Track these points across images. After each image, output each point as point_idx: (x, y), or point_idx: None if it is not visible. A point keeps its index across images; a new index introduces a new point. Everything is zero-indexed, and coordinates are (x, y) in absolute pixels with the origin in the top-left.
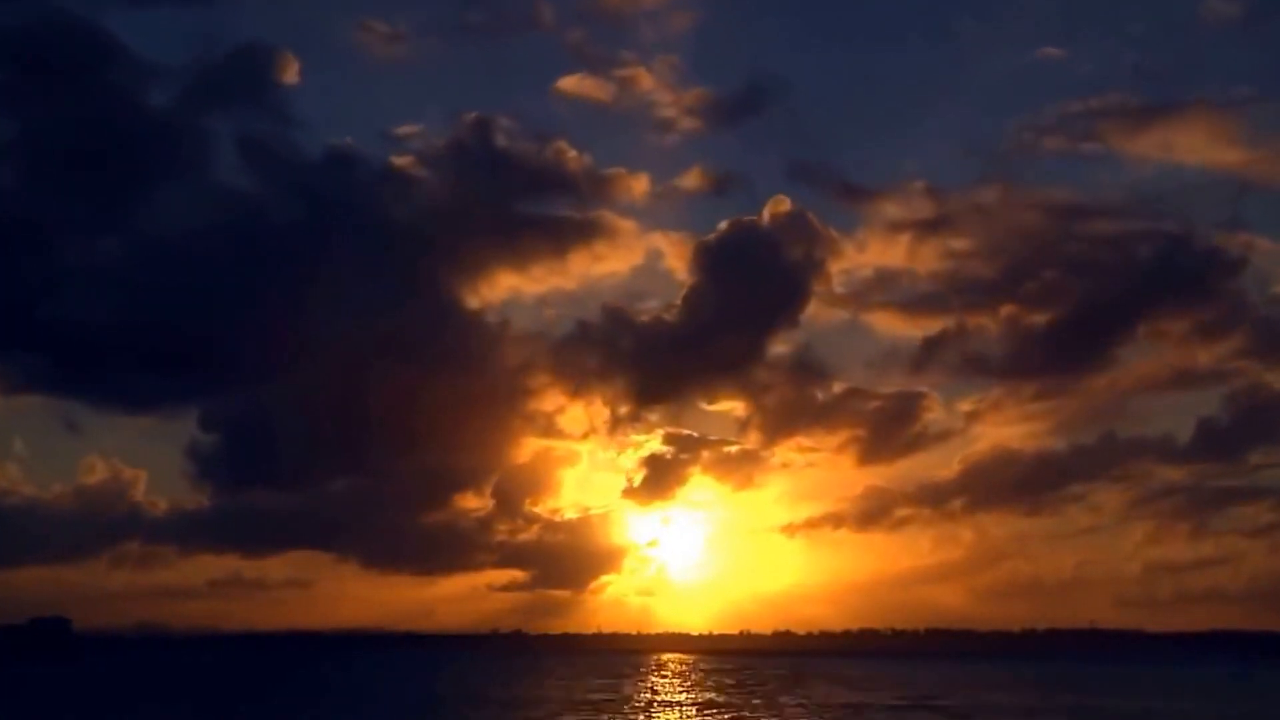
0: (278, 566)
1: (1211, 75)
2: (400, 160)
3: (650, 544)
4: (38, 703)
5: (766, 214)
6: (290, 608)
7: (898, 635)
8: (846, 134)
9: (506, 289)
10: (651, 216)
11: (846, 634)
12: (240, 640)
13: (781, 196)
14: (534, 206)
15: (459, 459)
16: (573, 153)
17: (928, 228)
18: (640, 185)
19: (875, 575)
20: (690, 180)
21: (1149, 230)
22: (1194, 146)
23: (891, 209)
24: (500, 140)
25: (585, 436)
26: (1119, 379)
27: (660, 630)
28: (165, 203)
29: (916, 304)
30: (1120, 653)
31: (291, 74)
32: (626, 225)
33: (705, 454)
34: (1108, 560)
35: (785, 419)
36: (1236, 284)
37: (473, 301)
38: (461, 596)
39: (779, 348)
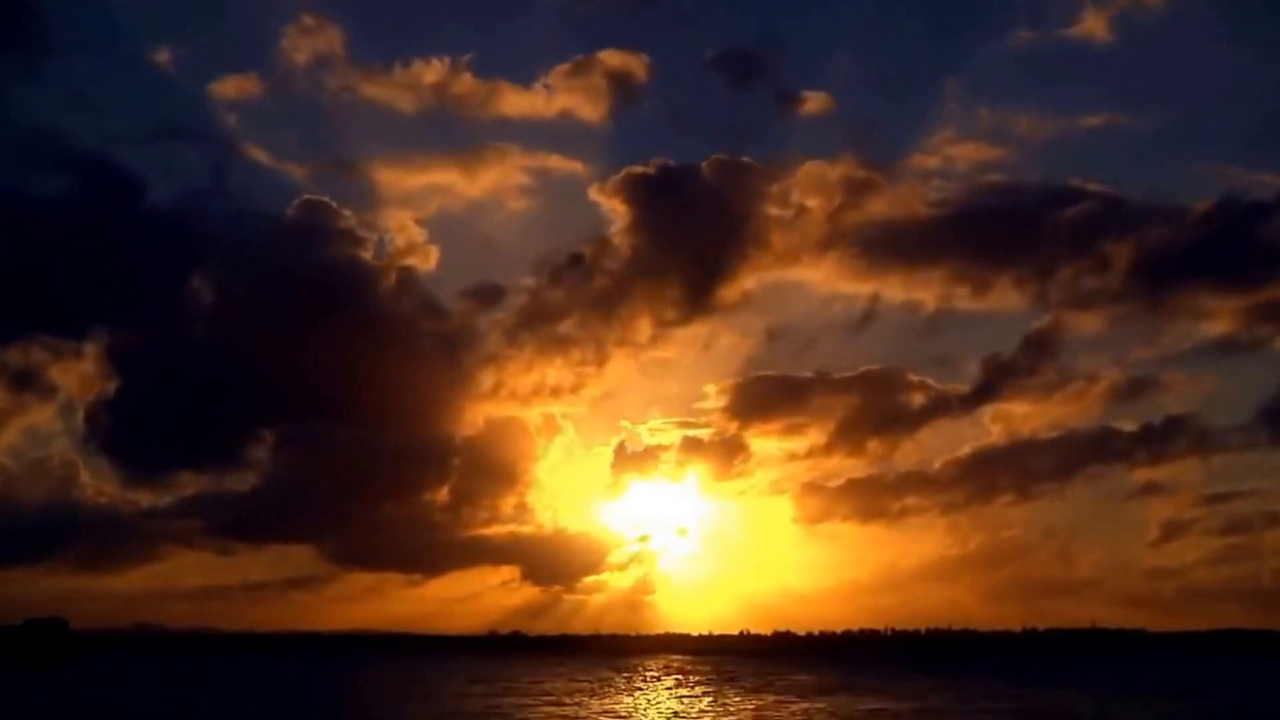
0: (269, 566)
1: None
2: (226, 84)
3: (642, 538)
4: (35, 702)
5: (703, 163)
6: (289, 609)
7: (898, 635)
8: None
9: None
10: (545, 139)
11: (847, 634)
12: (239, 641)
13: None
14: (404, 135)
15: (405, 433)
16: (435, 62)
17: (884, 165)
18: (525, 98)
19: (875, 573)
20: (584, 88)
21: (1159, 166)
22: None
23: (835, 124)
24: (337, 48)
25: (545, 400)
26: (1130, 354)
27: (661, 630)
28: None
29: (888, 258)
30: (1122, 652)
31: None
32: (514, 151)
33: (683, 437)
34: (1111, 556)
35: (762, 401)
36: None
37: (358, 247)
38: (458, 597)
39: (737, 314)
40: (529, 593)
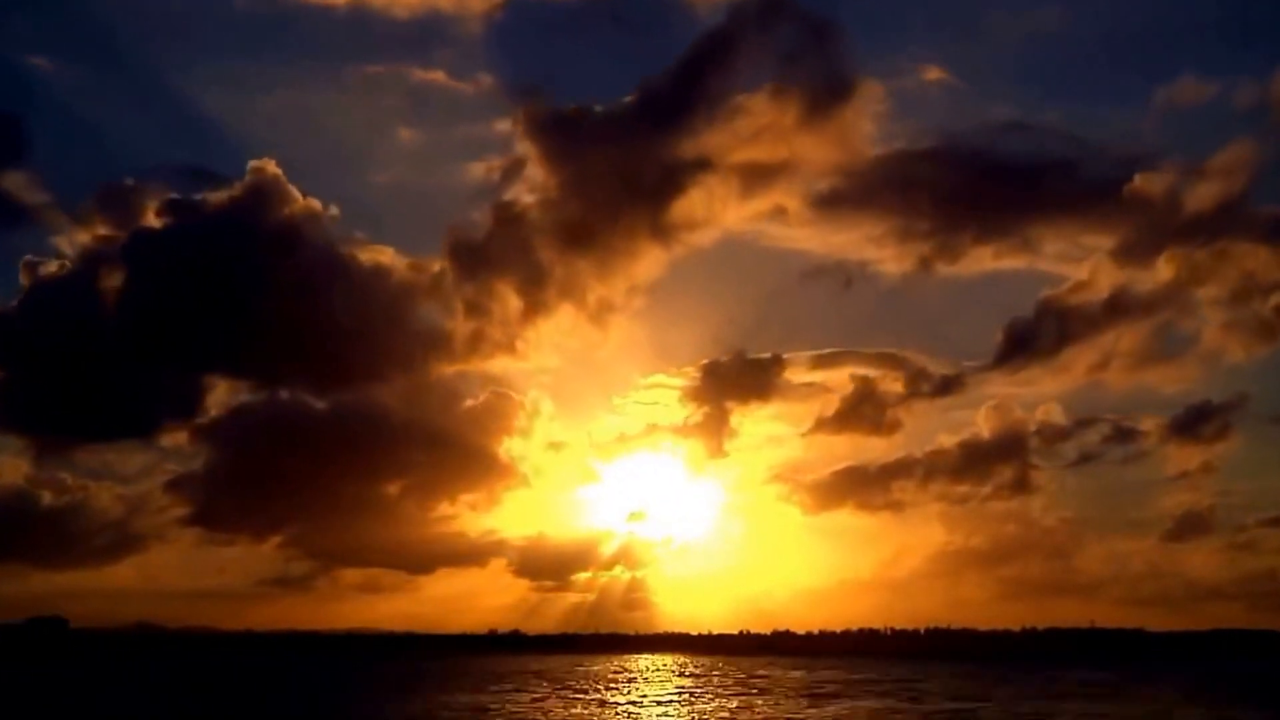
0: (252, 563)
1: None
2: None
3: (630, 533)
4: (35, 702)
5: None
6: (288, 608)
7: (898, 635)
8: None
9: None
10: (415, 47)
11: (846, 634)
12: (237, 641)
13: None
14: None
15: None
16: None
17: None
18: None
19: (874, 573)
20: None
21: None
22: None
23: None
24: None
25: (490, 368)
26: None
27: (661, 630)
28: None
29: (848, 210)
30: (1121, 653)
31: None
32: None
33: (652, 424)
34: (1111, 554)
35: (735, 383)
36: None
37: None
38: (457, 595)
39: (685, 276)
40: (521, 588)
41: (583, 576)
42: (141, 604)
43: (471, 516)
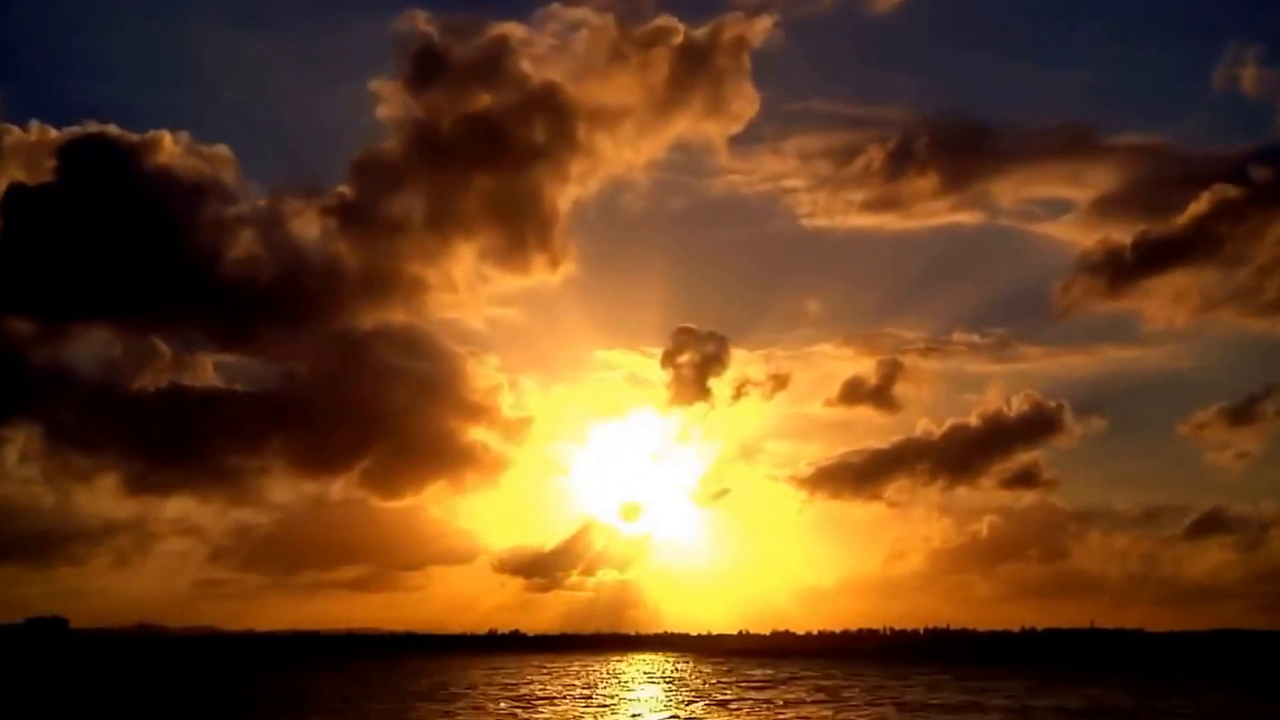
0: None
1: None
2: None
3: (631, 532)
4: (34, 702)
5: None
6: (288, 609)
7: (898, 636)
8: None
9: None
10: None
11: (845, 634)
12: (237, 641)
13: None
14: None
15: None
16: None
17: None
18: None
19: (872, 573)
20: None
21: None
22: None
23: None
24: None
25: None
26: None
27: (661, 630)
28: None
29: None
30: (1120, 654)
31: None
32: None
33: (627, 401)
34: (1111, 553)
35: (704, 365)
36: None
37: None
38: (455, 595)
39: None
40: (515, 586)
41: (574, 576)
42: (141, 605)
43: (442, 509)
